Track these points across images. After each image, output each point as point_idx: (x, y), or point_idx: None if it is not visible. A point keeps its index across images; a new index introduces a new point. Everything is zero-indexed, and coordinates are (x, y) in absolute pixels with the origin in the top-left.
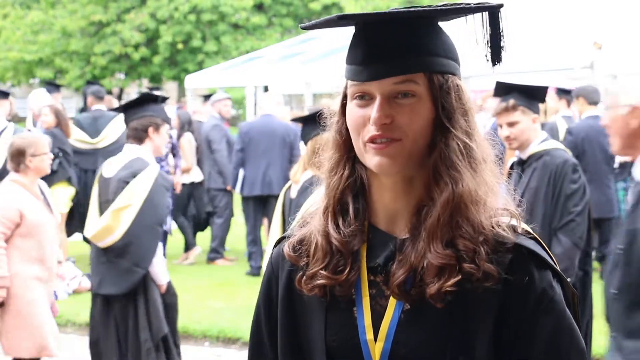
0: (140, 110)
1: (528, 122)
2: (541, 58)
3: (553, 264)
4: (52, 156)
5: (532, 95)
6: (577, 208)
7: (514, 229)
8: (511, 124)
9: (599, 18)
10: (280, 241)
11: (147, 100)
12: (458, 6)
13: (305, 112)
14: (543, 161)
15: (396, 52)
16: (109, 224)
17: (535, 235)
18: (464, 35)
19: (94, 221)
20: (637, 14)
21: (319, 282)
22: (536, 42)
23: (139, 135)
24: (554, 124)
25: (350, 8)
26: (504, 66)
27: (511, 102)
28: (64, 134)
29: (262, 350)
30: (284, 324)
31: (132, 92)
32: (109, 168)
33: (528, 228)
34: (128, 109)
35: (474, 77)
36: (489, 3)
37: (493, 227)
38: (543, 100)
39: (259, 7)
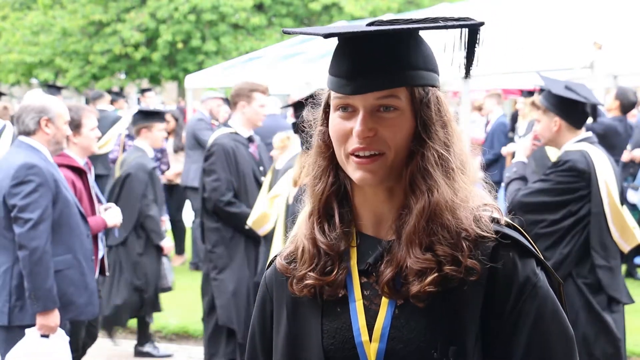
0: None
1: (549, 123)
2: (541, 58)
3: (536, 252)
4: None
5: (562, 102)
6: (536, 186)
7: (496, 221)
8: (537, 121)
9: (599, 18)
10: (272, 261)
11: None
12: (439, 24)
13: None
14: (560, 156)
15: (379, 67)
16: (265, 212)
17: (517, 226)
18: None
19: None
20: (637, 14)
21: (307, 282)
22: (536, 42)
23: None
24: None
25: (350, 8)
26: (504, 66)
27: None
28: None
29: None
30: (280, 338)
31: (131, 92)
32: (281, 160)
33: (509, 220)
34: (299, 105)
35: (474, 77)
36: (471, 20)
37: (472, 224)
38: (575, 110)
39: (259, 7)
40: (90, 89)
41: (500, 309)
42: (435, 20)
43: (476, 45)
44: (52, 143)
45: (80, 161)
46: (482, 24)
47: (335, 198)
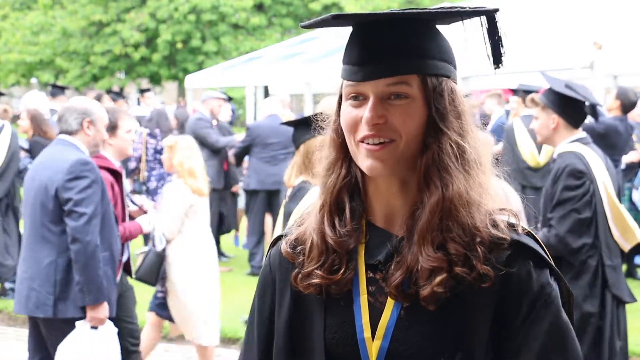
0: None
1: (547, 120)
2: (541, 58)
3: (551, 262)
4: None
5: (562, 100)
6: (557, 214)
7: (513, 227)
8: (535, 117)
9: (599, 18)
10: (277, 240)
11: None
12: (454, 10)
13: (305, 113)
14: (556, 163)
15: (390, 53)
16: None
17: (534, 234)
18: (464, 37)
19: None
20: (637, 14)
21: (314, 281)
22: (536, 42)
23: None
24: (510, 125)
25: (350, 8)
26: (504, 66)
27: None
28: (46, 140)
29: (252, 345)
30: (282, 322)
31: (131, 92)
32: None
33: (527, 227)
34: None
35: (474, 77)
36: (485, 7)
37: (489, 227)
38: (574, 109)
39: (259, 7)
40: (90, 89)
41: (511, 318)
42: (450, 8)
43: (497, 34)
44: (91, 144)
45: (116, 163)
46: (496, 10)
47: (346, 191)
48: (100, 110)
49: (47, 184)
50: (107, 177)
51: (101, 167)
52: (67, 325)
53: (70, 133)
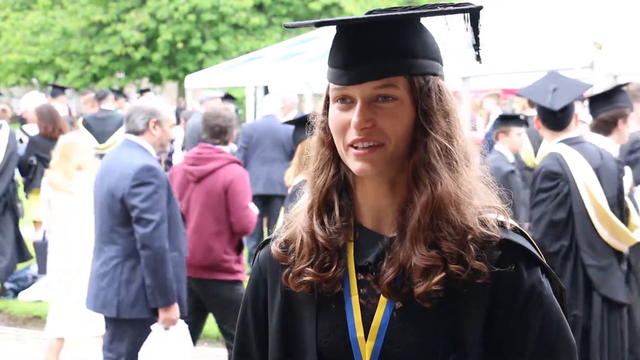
0: (609, 101)
1: (536, 119)
2: (541, 58)
3: (541, 259)
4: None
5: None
6: (533, 216)
7: (502, 225)
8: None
9: (599, 18)
10: (266, 243)
11: (616, 90)
12: (437, 9)
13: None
14: (537, 165)
15: (376, 55)
16: None
17: (524, 231)
18: (459, 36)
19: None
20: (637, 14)
21: (305, 279)
22: (536, 42)
23: (607, 127)
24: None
25: (350, 8)
26: (504, 66)
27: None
28: (49, 139)
29: (248, 352)
30: (274, 326)
31: (131, 92)
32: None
33: (516, 224)
34: (596, 100)
35: (474, 77)
36: (469, 5)
37: (479, 225)
38: (544, 112)
39: (259, 7)
40: (90, 89)
41: (504, 317)
42: (433, 6)
43: (478, 29)
44: (157, 145)
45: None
46: (480, 7)
47: (335, 190)
48: (167, 110)
49: (113, 189)
50: (241, 170)
51: (232, 162)
52: (128, 326)
53: (136, 133)
